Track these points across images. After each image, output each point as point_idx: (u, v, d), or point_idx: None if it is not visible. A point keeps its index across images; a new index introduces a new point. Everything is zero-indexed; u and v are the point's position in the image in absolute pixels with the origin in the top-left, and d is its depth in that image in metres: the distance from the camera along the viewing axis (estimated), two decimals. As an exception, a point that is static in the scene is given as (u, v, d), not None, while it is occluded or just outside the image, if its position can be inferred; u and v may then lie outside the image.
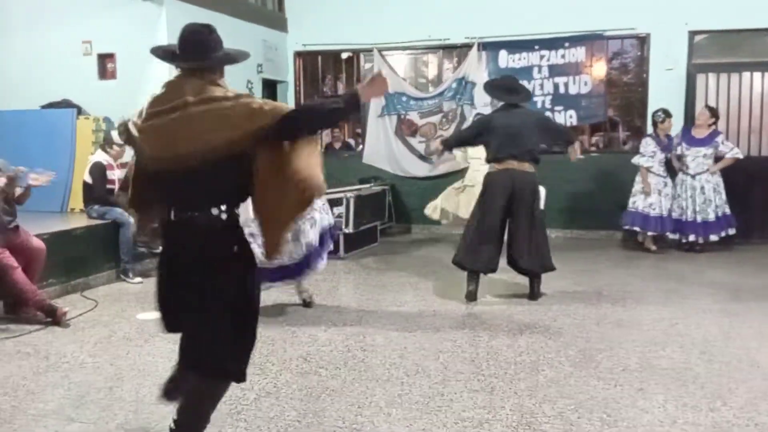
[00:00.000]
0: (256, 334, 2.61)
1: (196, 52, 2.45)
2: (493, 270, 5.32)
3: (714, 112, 7.22)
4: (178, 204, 2.47)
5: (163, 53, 2.58)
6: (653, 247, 7.33)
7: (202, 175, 2.38)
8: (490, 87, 5.58)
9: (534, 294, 5.35)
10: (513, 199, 5.11)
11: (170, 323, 2.63)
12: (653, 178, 7.24)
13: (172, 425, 2.64)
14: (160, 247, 2.65)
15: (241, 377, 2.59)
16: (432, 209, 7.45)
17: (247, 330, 2.56)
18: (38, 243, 5.00)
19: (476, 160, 6.87)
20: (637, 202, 7.31)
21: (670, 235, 7.34)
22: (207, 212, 2.43)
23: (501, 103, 5.36)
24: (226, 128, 2.34)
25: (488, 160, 5.29)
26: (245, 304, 2.53)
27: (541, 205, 5.59)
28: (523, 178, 5.12)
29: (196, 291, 2.45)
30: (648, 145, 7.27)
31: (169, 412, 3.22)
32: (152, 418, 3.17)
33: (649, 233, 7.31)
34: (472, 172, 7.19)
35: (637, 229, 7.35)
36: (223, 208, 2.45)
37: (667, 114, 7.25)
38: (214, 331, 2.46)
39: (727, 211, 7.16)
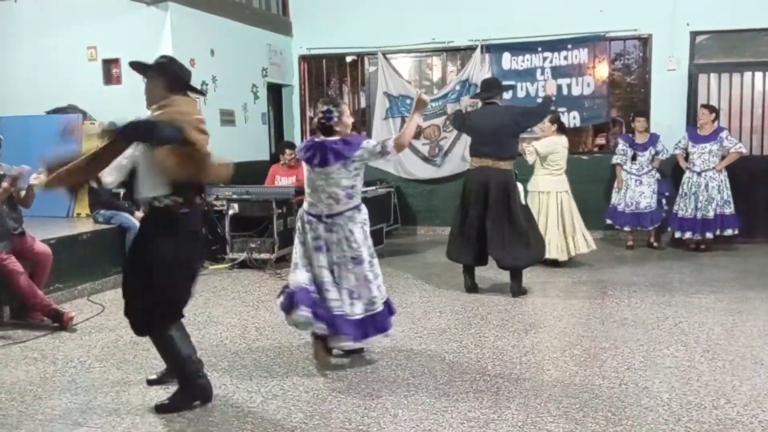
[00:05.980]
0: None
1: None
2: (483, 263, 5.56)
3: (712, 109, 7.28)
4: None
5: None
6: (630, 242, 7.54)
7: None
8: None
9: (513, 289, 5.39)
10: (488, 196, 5.30)
11: None
12: (624, 174, 7.49)
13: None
14: None
15: None
16: None
17: None
18: (44, 248, 5.03)
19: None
20: (612, 198, 7.63)
21: (677, 233, 7.36)
22: None
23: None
24: None
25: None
26: None
27: (522, 200, 5.47)
28: (498, 177, 5.29)
29: None
30: (619, 144, 7.61)
31: (172, 415, 3.25)
32: (159, 421, 3.19)
33: (626, 228, 7.50)
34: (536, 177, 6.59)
35: (609, 222, 7.63)
36: None
37: (638, 113, 7.63)
38: None
39: (727, 211, 7.14)
